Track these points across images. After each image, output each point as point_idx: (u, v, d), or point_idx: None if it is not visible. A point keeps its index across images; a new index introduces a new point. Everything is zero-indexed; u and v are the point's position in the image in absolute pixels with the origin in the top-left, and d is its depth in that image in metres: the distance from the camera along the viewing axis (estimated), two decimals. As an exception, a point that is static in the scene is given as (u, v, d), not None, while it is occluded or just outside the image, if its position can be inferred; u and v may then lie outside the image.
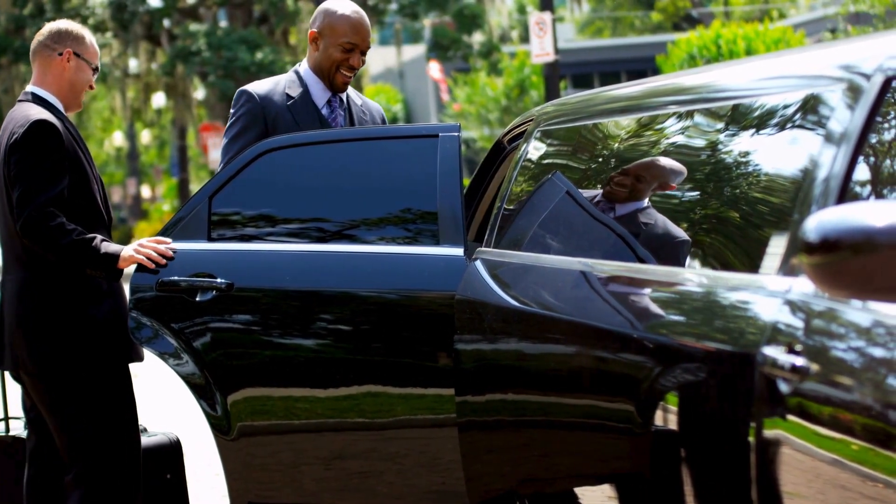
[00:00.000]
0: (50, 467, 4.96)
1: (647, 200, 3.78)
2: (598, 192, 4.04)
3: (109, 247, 4.73)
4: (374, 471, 4.60)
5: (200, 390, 4.70)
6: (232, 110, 5.15)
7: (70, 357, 4.77)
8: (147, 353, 4.91)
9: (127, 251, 4.71)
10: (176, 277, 4.71)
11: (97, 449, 4.81)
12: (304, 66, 5.24)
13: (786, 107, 3.23)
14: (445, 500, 4.54)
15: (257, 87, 5.17)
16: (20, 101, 4.95)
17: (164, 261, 4.70)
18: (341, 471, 4.64)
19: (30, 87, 4.98)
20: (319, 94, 5.18)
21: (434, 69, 44.16)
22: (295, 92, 5.14)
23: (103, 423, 4.81)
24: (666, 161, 3.75)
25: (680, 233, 3.53)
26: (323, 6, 5.21)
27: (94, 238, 4.72)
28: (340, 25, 5.12)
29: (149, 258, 4.67)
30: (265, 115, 5.07)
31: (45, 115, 4.79)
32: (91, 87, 5.04)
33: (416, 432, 4.55)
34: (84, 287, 4.80)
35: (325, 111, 5.18)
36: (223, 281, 4.66)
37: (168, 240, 4.76)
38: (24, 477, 4.99)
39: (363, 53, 5.17)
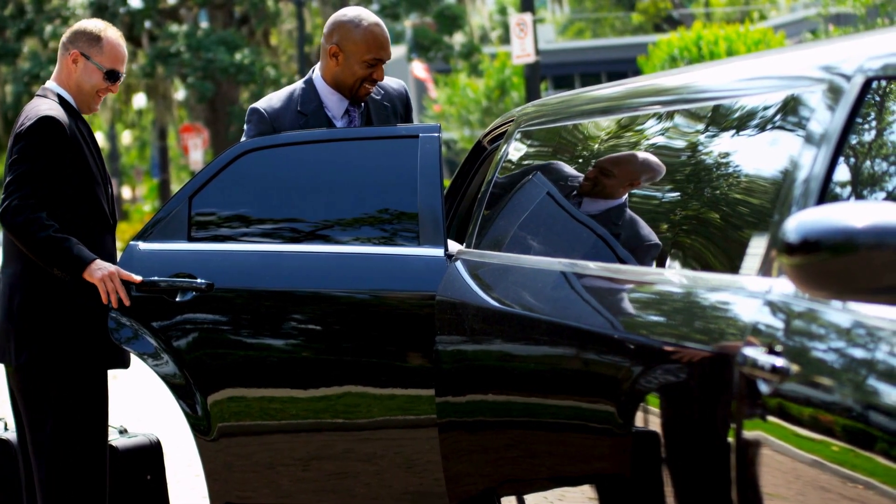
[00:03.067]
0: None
1: (624, 198, 3.77)
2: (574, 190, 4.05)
3: (82, 252, 4.67)
4: (352, 472, 4.60)
5: (180, 391, 4.69)
6: (245, 126, 5.03)
7: (55, 354, 4.75)
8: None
9: (98, 272, 4.64)
10: (156, 278, 4.69)
11: (62, 451, 4.77)
12: (317, 76, 5.02)
13: (766, 108, 3.23)
14: (422, 500, 4.54)
15: (269, 105, 5.00)
16: (37, 95, 4.95)
17: (117, 303, 4.65)
18: (319, 471, 4.64)
19: (48, 83, 4.98)
20: (336, 106, 4.98)
21: (418, 68, 44.11)
22: (308, 108, 4.96)
23: (72, 425, 4.77)
24: (642, 156, 3.74)
25: (650, 234, 3.53)
26: (340, 19, 4.94)
27: (69, 239, 4.68)
28: (364, 42, 4.88)
29: (109, 293, 4.64)
30: None
31: (55, 112, 4.77)
32: (107, 91, 4.94)
33: (394, 433, 4.55)
34: (75, 283, 4.76)
35: (342, 123, 5.00)
36: (203, 281, 4.64)
37: (139, 278, 4.69)
38: (22, 477, 4.97)
39: (384, 63, 4.95)
